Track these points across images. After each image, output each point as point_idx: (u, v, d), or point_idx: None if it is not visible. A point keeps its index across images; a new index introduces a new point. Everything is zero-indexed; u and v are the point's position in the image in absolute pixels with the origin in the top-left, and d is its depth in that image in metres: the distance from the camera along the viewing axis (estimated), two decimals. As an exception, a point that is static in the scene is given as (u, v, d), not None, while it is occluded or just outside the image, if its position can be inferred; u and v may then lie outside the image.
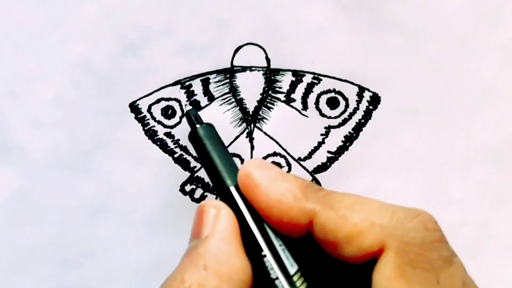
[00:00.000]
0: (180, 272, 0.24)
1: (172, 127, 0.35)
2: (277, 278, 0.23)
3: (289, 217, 0.23)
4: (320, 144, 0.35)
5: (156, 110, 0.35)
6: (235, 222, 0.25)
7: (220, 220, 0.25)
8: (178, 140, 0.35)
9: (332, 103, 0.35)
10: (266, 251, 0.24)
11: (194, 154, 0.35)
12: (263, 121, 0.35)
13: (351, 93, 0.35)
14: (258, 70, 0.35)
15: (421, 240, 0.22)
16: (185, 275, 0.23)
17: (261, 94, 0.35)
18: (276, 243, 0.24)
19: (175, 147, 0.35)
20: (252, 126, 0.35)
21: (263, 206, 0.24)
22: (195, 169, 0.35)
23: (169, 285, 0.23)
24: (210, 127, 0.30)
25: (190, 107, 0.34)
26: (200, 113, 0.35)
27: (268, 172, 0.25)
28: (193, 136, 0.30)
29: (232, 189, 0.26)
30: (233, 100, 0.35)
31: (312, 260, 0.24)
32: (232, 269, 0.23)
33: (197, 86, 0.35)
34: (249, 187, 0.25)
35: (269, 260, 0.24)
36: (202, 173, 0.35)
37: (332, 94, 0.35)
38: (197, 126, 0.30)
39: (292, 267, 0.23)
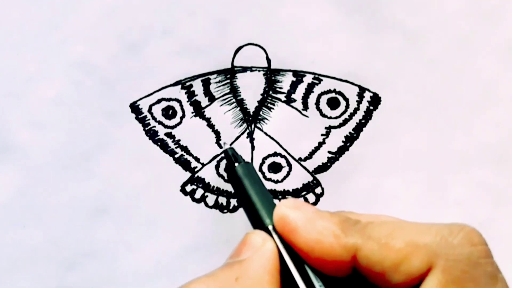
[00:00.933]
0: (208, 277, 0.24)
1: (172, 127, 0.35)
2: None
3: (331, 255, 0.23)
4: (320, 144, 0.35)
5: (157, 111, 0.35)
6: (276, 257, 0.25)
7: (263, 249, 0.25)
8: (179, 140, 0.35)
9: (333, 103, 0.35)
10: None
11: (195, 154, 0.35)
12: (264, 122, 0.35)
13: (351, 93, 0.35)
14: (259, 71, 0.35)
15: (467, 256, 0.22)
16: (212, 282, 0.23)
17: (261, 94, 0.35)
18: (316, 283, 0.24)
19: (176, 148, 0.35)
20: (252, 126, 0.35)
21: (303, 247, 0.24)
22: (196, 170, 0.35)
23: (192, 286, 0.24)
24: (248, 165, 0.30)
25: (229, 146, 0.34)
26: (201, 113, 0.35)
27: (303, 212, 0.25)
28: (232, 175, 0.30)
29: (271, 228, 0.26)
30: (234, 100, 0.35)
31: None
32: None
33: (197, 86, 0.35)
34: (286, 230, 0.25)
35: None
36: (203, 174, 0.35)
37: (333, 95, 0.35)
38: (236, 164, 0.30)
39: None
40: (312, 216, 0.24)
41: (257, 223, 0.27)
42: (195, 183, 0.35)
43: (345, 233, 0.23)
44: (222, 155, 0.35)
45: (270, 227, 0.26)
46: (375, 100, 0.35)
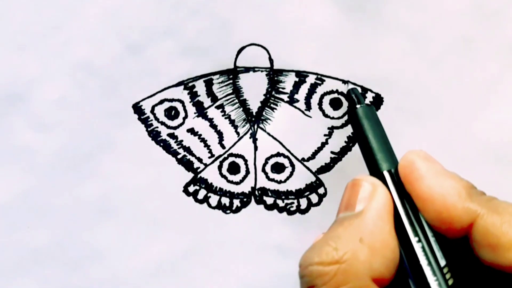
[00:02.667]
0: (333, 240, 0.23)
1: (175, 128, 0.35)
2: (429, 264, 0.23)
3: (451, 215, 0.23)
4: (323, 144, 0.35)
5: (160, 111, 0.35)
6: (391, 204, 0.25)
7: (376, 197, 0.25)
8: (182, 141, 0.35)
9: (335, 104, 0.35)
10: (421, 237, 0.24)
11: (198, 155, 0.35)
12: (267, 122, 0.35)
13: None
14: (262, 71, 0.35)
15: None
16: (339, 244, 0.23)
17: (264, 94, 0.35)
18: (429, 234, 0.24)
19: (179, 148, 0.35)
20: (255, 126, 0.35)
21: (425, 198, 0.24)
22: (199, 170, 0.35)
23: (320, 250, 0.23)
24: (370, 108, 0.29)
25: (353, 86, 0.33)
26: (204, 114, 0.35)
27: (433, 165, 0.25)
28: (352, 116, 0.29)
29: (386, 174, 0.26)
30: (237, 100, 0.35)
31: (462, 263, 0.24)
32: (385, 247, 0.23)
33: (200, 87, 0.35)
34: (411, 176, 0.24)
35: (422, 247, 0.24)
36: (206, 174, 0.35)
37: (335, 95, 0.35)
38: (357, 106, 0.29)
39: (442, 260, 0.24)
40: (442, 172, 0.24)
41: (373, 167, 0.27)
42: (198, 184, 0.35)
43: (471, 198, 0.23)
44: (225, 155, 0.35)
45: (386, 173, 0.26)
46: (378, 100, 0.35)
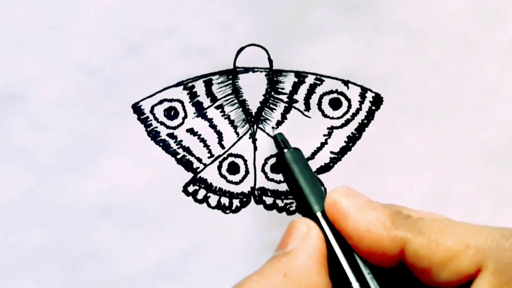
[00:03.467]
0: (259, 275, 0.24)
1: (175, 128, 0.35)
2: None
3: (380, 246, 0.23)
4: (323, 144, 0.35)
5: (159, 111, 0.35)
6: (323, 244, 0.25)
7: (309, 238, 0.25)
8: (181, 141, 0.35)
9: (335, 104, 0.35)
10: (352, 278, 0.24)
11: (197, 155, 0.35)
12: (266, 122, 0.35)
13: (353, 93, 0.35)
14: (261, 71, 0.35)
15: None
16: (262, 280, 0.24)
17: (263, 95, 0.35)
18: (365, 271, 0.24)
19: (178, 148, 0.35)
20: (255, 127, 0.35)
21: (352, 235, 0.24)
22: (198, 170, 0.35)
23: (243, 285, 0.24)
24: (297, 151, 0.30)
25: (278, 131, 0.34)
26: (203, 114, 0.35)
27: (356, 200, 0.25)
28: (281, 161, 0.30)
29: (319, 215, 0.26)
30: (236, 101, 0.35)
31: None
32: (311, 285, 0.23)
33: (199, 87, 0.35)
34: (337, 216, 0.25)
35: (360, 285, 0.24)
36: (205, 174, 0.35)
37: (335, 95, 0.35)
38: (285, 150, 0.30)
39: None
40: (364, 205, 0.25)
41: (306, 209, 0.27)
42: (198, 184, 0.35)
43: (396, 226, 0.24)
44: (225, 155, 0.35)
45: (319, 214, 0.26)
46: (377, 100, 0.35)
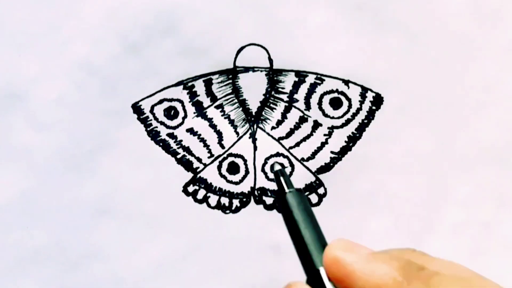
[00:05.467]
0: None
1: (174, 127, 0.35)
2: None
3: None
4: (323, 144, 0.35)
5: (159, 111, 0.35)
6: None
7: None
8: (181, 140, 0.35)
9: (335, 104, 0.35)
10: None
11: (197, 154, 0.35)
12: (266, 122, 0.35)
13: (354, 93, 0.35)
14: (261, 71, 0.35)
15: None
16: None
17: (264, 94, 0.35)
18: None
19: (178, 148, 0.35)
20: (255, 126, 0.35)
21: None
22: (198, 170, 0.35)
23: None
24: (300, 194, 0.28)
25: (279, 167, 0.30)
26: (203, 114, 0.35)
27: (359, 254, 0.23)
28: (282, 202, 0.28)
29: (322, 271, 0.24)
30: (236, 100, 0.35)
31: None
32: None
33: (199, 86, 0.35)
34: (340, 274, 0.23)
35: None
36: (205, 174, 0.35)
37: (335, 95, 0.35)
38: (287, 191, 0.27)
39: None
40: (369, 259, 0.23)
41: (307, 263, 0.25)
42: (197, 184, 0.35)
43: (408, 281, 0.22)
44: (225, 155, 0.35)
45: (322, 270, 0.24)
46: (378, 100, 0.35)
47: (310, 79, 0.35)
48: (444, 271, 0.22)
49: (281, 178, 0.28)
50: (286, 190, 0.27)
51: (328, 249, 0.23)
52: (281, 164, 0.33)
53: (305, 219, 0.26)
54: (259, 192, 0.35)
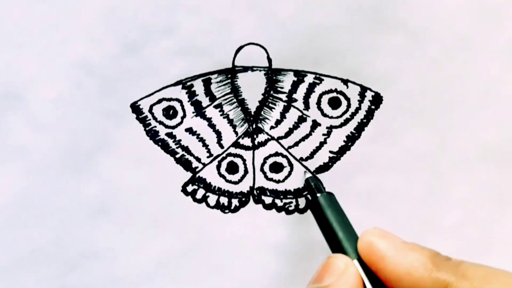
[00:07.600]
0: None
1: (173, 127, 0.35)
2: None
3: None
4: (322, 144, 0.35)
5: (158, 111, 0.35)
6: (361, 284, 0.24)
7: (346, 275, 0.25)
8: (180, 140, 0.35)
9: (334, 103, 0.35)
10: None
11: (196, 154, 0.35)
12: (265, 121, 0.35)
13: (353, 93, 0.35)
14: (260, 70, 0.35)
15: None
16: None
17: (262, 94, 0.35)
18: None
19: (177, 148, 0.35)
20: (254, 126, 0.35)
21: (391, 277, 0.24)
22: (197, 170, 0.35)
23: None
24: (331, 196, 0.30)
25: (310, 175, 0.34)
26: (202, 113, 0.35)
27: (392, 242, 0.24)
28: (314, 205, 0.30)
29: (356, 263, 0.25)
30: (235, 100, 0.35)
31: None
32: None
33: (198, 86, 0.35)
34: (373, 258, 0.24)
35: None
36: (204, 174, 0.35)
37: (334, 94, 0.35)
38: (318, 195, 0.30)
39: None
40: (402, 246, 0.24)
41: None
42: (196, 184, 0.35)
43: (437, 268, 0.23)
44: (224, 155, 0.35)
45: (355, 262, 0.25)
46: (377, 100, 0.35)
47: (309, 78, 0.35)
48: (466, 261, 0.23)
49: (312, 184, 0.31)
50: (318, 194, 0.30)
51: (363, 234, 0.25)
52: (311, 172, 0.35)
53: (337, 218, 0.28)
54: (258, 191, 0.35)
